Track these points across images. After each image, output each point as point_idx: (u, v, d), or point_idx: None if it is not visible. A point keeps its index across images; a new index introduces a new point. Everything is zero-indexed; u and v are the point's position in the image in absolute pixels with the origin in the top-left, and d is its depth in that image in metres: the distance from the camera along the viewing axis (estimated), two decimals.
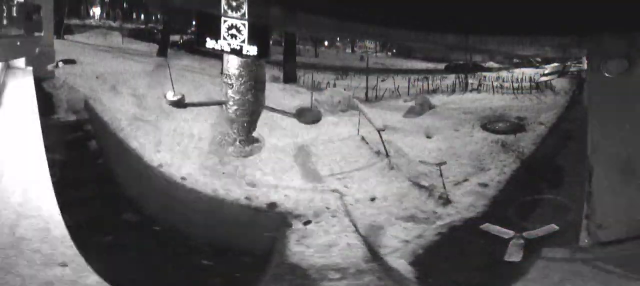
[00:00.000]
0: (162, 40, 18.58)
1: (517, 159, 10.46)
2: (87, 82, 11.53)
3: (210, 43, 7.54)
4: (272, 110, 8.66)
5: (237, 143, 8.15)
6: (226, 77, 7.77)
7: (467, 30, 5.66)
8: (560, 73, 16.41)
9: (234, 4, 7.31)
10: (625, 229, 5.08)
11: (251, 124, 8.15)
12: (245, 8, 7.26)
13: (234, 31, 7.34)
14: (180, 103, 8.42)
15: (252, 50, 7.25)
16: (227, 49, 7.36)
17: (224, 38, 7.32)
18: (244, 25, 7.19)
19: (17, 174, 6.34)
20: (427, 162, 9.92)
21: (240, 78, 7.66)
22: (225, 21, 7.25)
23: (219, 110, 10.00)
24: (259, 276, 6.44)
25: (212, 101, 9.48)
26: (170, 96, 8.31)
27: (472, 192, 9.08)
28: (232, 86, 7.72)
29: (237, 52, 7.41)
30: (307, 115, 8.67)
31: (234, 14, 7.33)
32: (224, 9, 7.29)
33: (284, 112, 8.94)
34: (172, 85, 8.53)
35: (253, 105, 7.92)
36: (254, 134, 8.37)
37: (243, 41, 7.26)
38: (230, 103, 7.80)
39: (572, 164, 8.74)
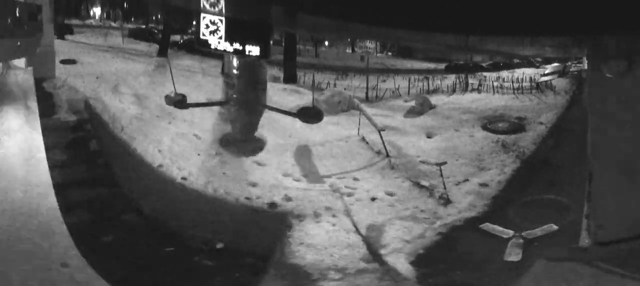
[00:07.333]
0: (162, 40, 18.55)
1: (517, 159, 10.46)
2: (87, 82, 11.54)
3: (211, 43, 7.51)
4: (275, 109, 8.60)
5: (239, 142, 8.10)
6: (227, 77, 7.71)
7: (467, 30, 5.65)
8: (560, 73, 16.40)
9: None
10: (625, 229, 5.07)
11: (252, 124, 8.07)
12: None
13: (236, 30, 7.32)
14: (182, 104, 8.30)
15: (254, 50, 7.21)
16: (229, 49, 7.32)
17: (227, 38, 7.27)
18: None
19: (17, 174, 6.35)
20: (427, 162, 9.93)
21: (241, 79, 7.59)
22: (227, 21, 7.21)
23: (219, 110, 10.00)
24: (259, 276, 6.45)
25: (214, 101, 9.42)
26: (172, 96, 8.20)
27: (472, 191, 9.09)
28: (233, 86, 7.66)
29: (238, 52, 7.38)
30: (309, 114, 8.65)
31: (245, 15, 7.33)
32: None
33: (286, 112, 8.88)
34: (173, 85, 8.38)
35: (254, 105, 7.85)
36: (255, 134, 8.33)
37: (246, 41, 7.22)
38: (232, 103, 7.73)
39: (572, 164, 8.74)
